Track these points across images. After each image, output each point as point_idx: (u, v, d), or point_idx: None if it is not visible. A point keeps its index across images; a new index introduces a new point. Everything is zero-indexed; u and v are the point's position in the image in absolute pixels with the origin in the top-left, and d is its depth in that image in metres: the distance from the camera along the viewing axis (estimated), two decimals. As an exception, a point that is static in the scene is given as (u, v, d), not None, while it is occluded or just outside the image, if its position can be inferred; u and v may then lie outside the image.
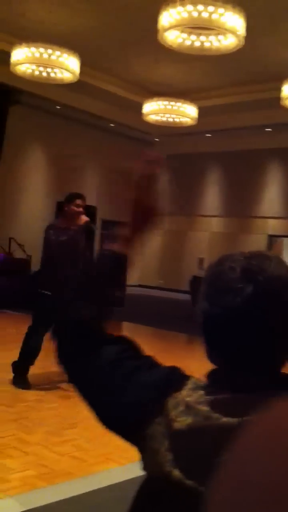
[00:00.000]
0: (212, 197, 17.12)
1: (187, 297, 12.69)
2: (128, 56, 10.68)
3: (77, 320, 1.03)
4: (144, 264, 18.63)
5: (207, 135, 15.24)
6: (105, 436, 4.21)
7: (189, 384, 0.89)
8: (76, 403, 5.24)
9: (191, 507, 0.81)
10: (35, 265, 12.54)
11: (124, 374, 0.94)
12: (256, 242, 15.20)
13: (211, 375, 0.90)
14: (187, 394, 0.87)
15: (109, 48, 10.37)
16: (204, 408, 0.84)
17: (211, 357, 0.92)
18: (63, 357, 1.04)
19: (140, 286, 18.03)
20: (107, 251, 1.12)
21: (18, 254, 12.25)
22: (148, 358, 0.99)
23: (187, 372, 0.95)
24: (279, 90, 10.27)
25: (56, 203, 13.59)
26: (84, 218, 5.34)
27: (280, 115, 12.08)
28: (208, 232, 16.93)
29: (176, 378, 0.92)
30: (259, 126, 13.95)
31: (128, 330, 10.32)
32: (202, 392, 0.87)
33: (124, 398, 0.93)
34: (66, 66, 9.21)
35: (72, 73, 9.40)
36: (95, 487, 3.36)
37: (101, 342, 1.00)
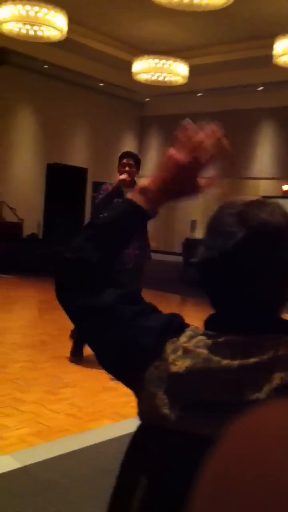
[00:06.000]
0: (203, 158, 16.95)
1: (179, 259, 12.73)
2: (117, 13, 10.41)
3: (79, 258, 1.00)
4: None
5: (198, 94, 15.01)
6: (98, 395, 4.33)
7: (188, 331, 0.90)
8: (66, 364, 5.32)
9: (187, 449, 0.81)
10: (28, 229, 12.50)
11: (125, 318, 0.94)
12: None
13: (208, 321, 0.91)
14: (185, 340, 0.88)
15: (97, 5, 10.09)
16: (203, 351, 0.84)
17: (210, 301, 0.93)
18: (63, 293, 1.01)
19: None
20: (128, 200, 1.05)
21: (10, 218, 12.18)
22: (150, 305, 1.00)
23: None
24: (271, 47, 10.07)
25: (46, 165, 13.43)
26: (118, 177, 4.73)
27: (272, 73, 11.88)
28: (200, 194, 16.85)
29: (176, 325, 0.93)
30: (251, 85, 13.73)
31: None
32: (200, 337, 0.87)
33: (123, 341, 0.93)
34: (53, 23, 8.96)
35: (60, 30, 9.15)
36: (90, 443, 3.45)
37: (104, 284, 0.98)
